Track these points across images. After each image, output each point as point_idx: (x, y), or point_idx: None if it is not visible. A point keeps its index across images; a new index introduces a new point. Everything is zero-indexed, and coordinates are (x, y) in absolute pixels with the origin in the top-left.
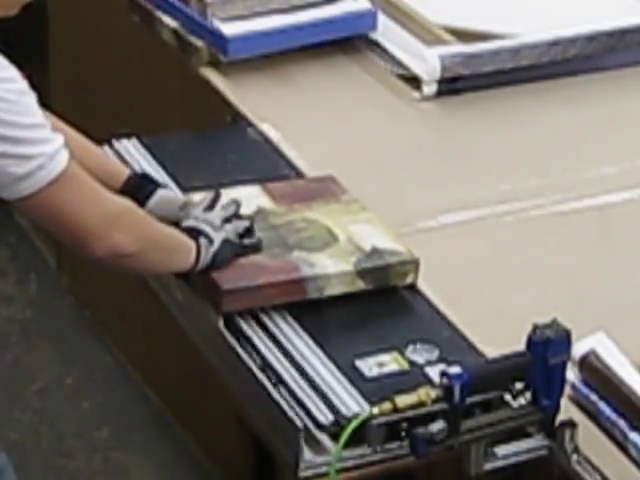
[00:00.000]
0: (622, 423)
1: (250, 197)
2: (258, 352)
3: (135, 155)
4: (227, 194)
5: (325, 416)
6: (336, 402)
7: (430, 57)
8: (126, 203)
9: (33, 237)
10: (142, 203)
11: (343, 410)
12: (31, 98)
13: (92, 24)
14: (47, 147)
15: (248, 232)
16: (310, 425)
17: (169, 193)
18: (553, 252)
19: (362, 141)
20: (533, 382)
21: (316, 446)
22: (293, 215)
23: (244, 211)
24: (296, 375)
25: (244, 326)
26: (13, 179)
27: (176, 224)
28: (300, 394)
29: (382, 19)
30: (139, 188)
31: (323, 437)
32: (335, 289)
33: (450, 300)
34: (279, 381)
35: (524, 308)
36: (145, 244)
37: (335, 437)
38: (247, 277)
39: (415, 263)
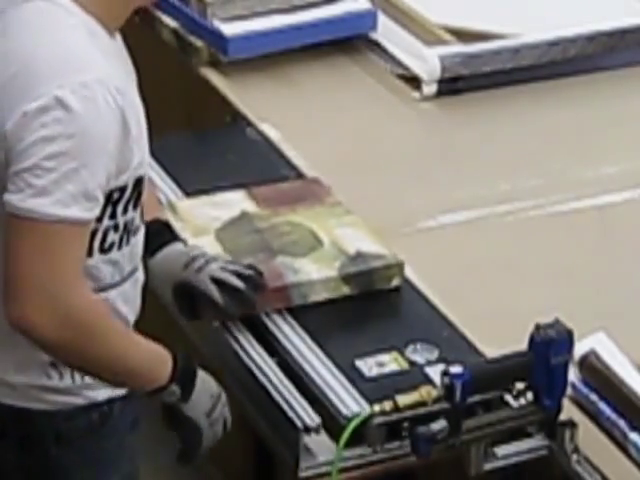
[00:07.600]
0: (622, 423)
1: (234, 202)
2: (256, 352)
3: None
4: (211, 200)
5: (326, 416)
6: (336, 402)
7: (430, 57)
8: (95, 312)
9: None
10: (152, 252)
11: (343, 410)
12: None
13: None
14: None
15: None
16: (310, 425)
17: (176, 249)
18: (553, 252)
19: (362, 141)
20: (535, 382)
21: (316, 446)
22: (277, 218)
23: (228, 215)
24: (295, 375)
25: (243, 325)
26: (23, 184)
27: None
28: (299, 394)
29: (382, 19)
30: (155, 235)
31: (323, 437)
32: (319, 295)
33: (450, 300)
34: (279, 381)
35: (524, 308)
36: (84, 358)
37: (335, 437)
38: None
39: (399, 266)
